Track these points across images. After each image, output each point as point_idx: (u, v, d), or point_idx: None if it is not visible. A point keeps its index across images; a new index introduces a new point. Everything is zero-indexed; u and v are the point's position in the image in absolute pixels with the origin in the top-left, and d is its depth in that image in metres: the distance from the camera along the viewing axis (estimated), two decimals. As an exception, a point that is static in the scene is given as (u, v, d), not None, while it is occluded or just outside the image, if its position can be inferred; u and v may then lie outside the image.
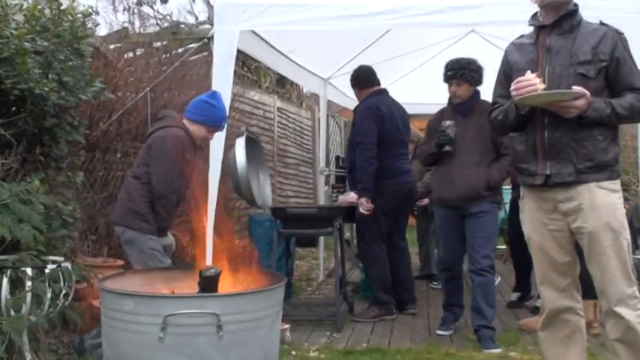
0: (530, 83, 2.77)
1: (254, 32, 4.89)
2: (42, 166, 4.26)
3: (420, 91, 7.37)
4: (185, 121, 3.96)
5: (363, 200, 5.18)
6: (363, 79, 5.47)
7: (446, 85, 4.81)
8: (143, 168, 3.94)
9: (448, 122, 4.67)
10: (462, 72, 4.67)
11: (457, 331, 4.90)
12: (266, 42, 5.26)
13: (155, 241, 3.86)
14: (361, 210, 5.20)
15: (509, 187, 5.73)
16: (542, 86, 2.77)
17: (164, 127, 3.93)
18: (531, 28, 3.08)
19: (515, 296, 5.83)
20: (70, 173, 4.40)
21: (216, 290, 2.59)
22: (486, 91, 4.60)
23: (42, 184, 3.93)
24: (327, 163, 7.94)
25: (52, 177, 4.32)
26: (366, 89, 5.43)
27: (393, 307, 5.42)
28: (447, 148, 4.65)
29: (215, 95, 3.99)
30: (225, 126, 4.13)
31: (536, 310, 5.25)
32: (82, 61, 4.30)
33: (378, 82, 5.50)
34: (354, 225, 7.76)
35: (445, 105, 4.92)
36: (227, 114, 4.13)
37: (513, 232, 5.76)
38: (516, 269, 5.87)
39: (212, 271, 2.58)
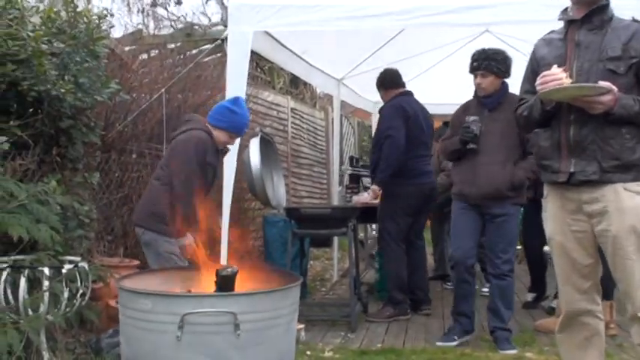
0: (556, 77, 2.69)
1: (267, 33, 4.90)
2: (58, 167, 4.30)
3: (434, 91, 7.35)
4: (208, 126, 3.99)
5: (376, 188, 5.31)
6: (389, 80, 5.60)
7: (460, 84, 4.79)
8: (165, 170, 3.94)
9: (472, 118, 4.46)
10: (488, 63, 4.48)
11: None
12: (279, 42, 5.28)
13: (173, 244, 3.85)
14: (366, 197, 5.36)
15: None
16: (569, 81, 2.69)
17: (188, 130, 3.94)
18: (558, 24, 3.01)
19: (530, 297, 5.81)
20: (86, 174, 4.44)
21: (233, 289, 2.60)
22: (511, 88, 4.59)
23: (59, 184, 3.97)
24: (341, 164, 7.94)
25: (69, 178, 4.36)
26: (392, 90, 5.56)
27: (408, 308, 5.44)
28: (471, 145, 4.45)
29: (238, 101, 4.00)
30: (246, 131, 4.15)
31: (552, 311, 5.24)
32: (97, 63, 4.33)
33: (403, 84, 5.65)
34: (367, 225, 7.83)
35: (470, 98, 4.74)
36: (249, 119, 4.13)
37: (528, 232, 5.76)
38: (531, 269, 5.85)
39: (229, 270, 2.59)
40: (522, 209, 5.86)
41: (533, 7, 4.17)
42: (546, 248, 5.62)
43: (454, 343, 4.55)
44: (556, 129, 2.87)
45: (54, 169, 4.27)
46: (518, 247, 8.34)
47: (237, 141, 4.26)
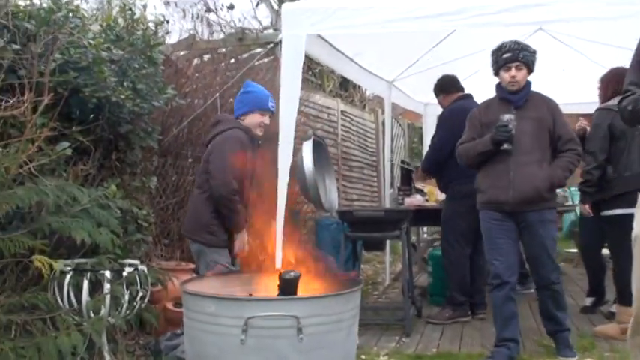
0: None
1: (320, 36, 4.89)
2: (117, 172, 4.42)
3: (485, 93, 7.24)
4: (238, 121, 4.04)
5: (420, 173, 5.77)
6: (449, 84, 5.66)
7: None
8: (203, 177, 3.98)
9: (508, 116, 4.11)
10: (524, 54, 4.20)
11: (528, 335, 4.79)
12: (331, 45, 5.28)
13: (219, 254, 3.91)
14: (419, 199, 5.63)
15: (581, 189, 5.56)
16: None
17: (221, 132, 3.97)
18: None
19: (589, 301, 5.67)
20: (144, 178, 4.54)
21: (295, 293, 2.60)
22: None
23: (118, 189, 4.06)
24: (392, 166, 7.90)
25: (127, 182, 4.47)
26: (452, 94, 5.61)
27: (468, 309, 5.42)
28: (506, 146, 4.10)
29: (247, 84, 4.14)
30: (274, 106, 4.13)
31: (611, 316, 5.11)
32: (154, 69, 4.42)
33: (462, 88, 5.69)
34: (419, 228, 7.77)
35: (492, 96, 4.41)
36: (267, 92, 4.16)
37: (585, 234, 5.62)
38: (589, 273, 5.70)
39: (292, 273, 2.60)
40: (579, 210, 5.75)
41: (592, 4, 4.05)
42: (604, 251, 5.50)
43: None
44: None
45: (113, 174, 4.40)
46: (574, 251, 8.22)
47: (291, 145, 4.27)
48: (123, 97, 4.13)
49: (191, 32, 7.35)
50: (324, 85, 10.55)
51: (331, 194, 4.82)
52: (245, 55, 6.46)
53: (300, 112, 6.70)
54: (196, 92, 5.50)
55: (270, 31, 8.21)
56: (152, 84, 4.39)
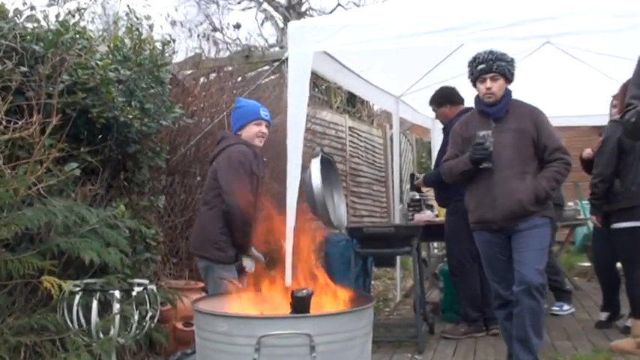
0: None
1: (326, 53, 4.87)
2: (126, 191, 4.42)
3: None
4: (238, 136, 4.05)
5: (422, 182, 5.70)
6: (457, 95, 5.57)
7: (520, 97, 4.49)
8: (211, 193, 3.95)
9: (484, 132, 3.94)
10: (498, 64, 4.01)
11: (544, 352, 4.71)
12: (338, 62, 5.27)
13: (227, 270, 3.88)
14: (429, 214, 5.62)
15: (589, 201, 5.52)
16: None
17: (225, 148, 3.97)
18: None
19: (604, 316, 5.59)
20: (152, 197, 4.53)
21: (308, 311, 2.57)
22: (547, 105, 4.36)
23: (126, 208, 4.05)
24: (401, 181, 7.87)
25: (136, 201, 4.46)
26: (458, 105, 5.53)
27: (482, 325, 5.36)
28: (485, 164, 3.92)
29: (237, 100, 4.21)
30: (268, 115, 4.15)
31: (627, 330, 5.03)
32: (162, 89, 4.44)
33: (463, 101, 5.61)
34: (429, 244, 7.71)
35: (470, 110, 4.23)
36: (258, 104, 4.20)
37: (597, 248, 5.56)
38: (603, 287, 5.63)
39: (304, 291, 2.57)
40: (592, 224, 5.69)
41: (601, 17, 4.02)
42: (618, 265, 5.44)
43: None
44: None
45: (121, 194, 4.40)
46: (588, 264, 8.13)
47: (299, 162, 4.27)
48: (131, 117, 4.14)
49: (197, 51, 7.38)
50: (331, 101, 10.56)
51: (340, 211, 4.77)
52: (252, 73, 6.48)
53: (307, 129, 6.71)
54: (203, 111, 5.51)
55: (277, 48, 8.28)
56: (159, 103, 4.40)
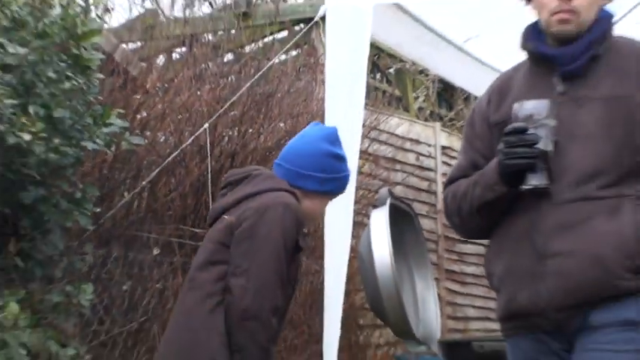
0: None
1: (399, 6, 3.34)
2: (19, 278, 2.94)
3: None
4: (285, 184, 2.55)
5: None
6: None
7: None
8: (213, 272, 2.37)
9: (532, 103, 1.90)
10: None
11: None
12: (422, 23, 3.55)
13: None
14: None
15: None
16: None
17: (262, 193, 2.49)
18: None
19: None
20: (69, 288, 2.94)
21: None
22: None
23: (21, 309, 2.77)
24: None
25: (38, 296, 2.97)
26: None
27: None
28: (535, 182, 1.86)
29: (332, 135, 2.53)
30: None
31: None
32: (86, 80, 2.94)
33: None
34: None
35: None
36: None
37: None
38: None
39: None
40: None
41: None
42: None
43: None
44: None
45: (11, 281, 2.94)
46: None
47: (350, 210, 3.11)
48: (28, 136, 2.67)
49: (150, 6, 4.97)
50: (406, 97, 7.00)
51: (427, 311, 3.10)
52: (252, 46, 4.33)
53: (362, 151, 4.17)
54: (164, 121, 3.47)
55: (300, 0, 5.54)
56: (82, 108, 2.80)
